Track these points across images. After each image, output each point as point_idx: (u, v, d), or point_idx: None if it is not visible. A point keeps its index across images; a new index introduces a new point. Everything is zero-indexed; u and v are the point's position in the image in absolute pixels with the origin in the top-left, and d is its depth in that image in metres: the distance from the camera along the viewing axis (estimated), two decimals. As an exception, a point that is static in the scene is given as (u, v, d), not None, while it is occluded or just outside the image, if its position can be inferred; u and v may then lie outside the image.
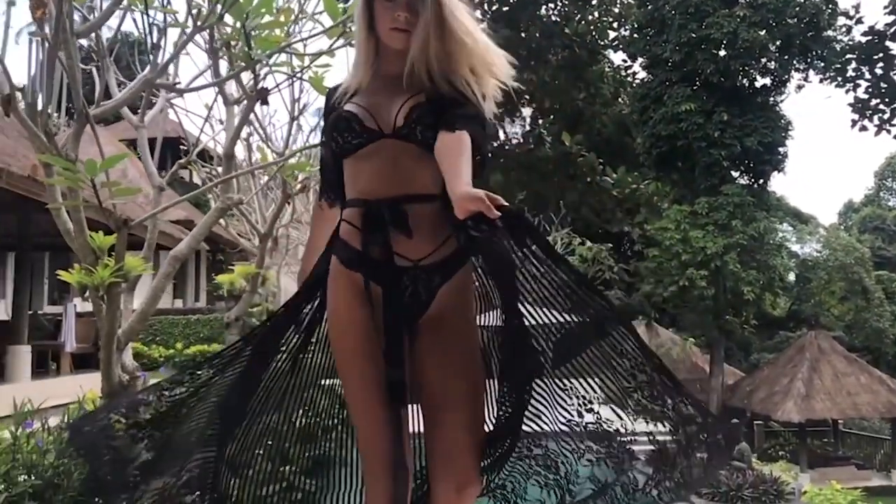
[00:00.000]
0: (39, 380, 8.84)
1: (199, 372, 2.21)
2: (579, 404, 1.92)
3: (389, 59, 1.98)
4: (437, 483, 1.90)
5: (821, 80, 24.96)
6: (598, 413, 1.94)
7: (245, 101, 4.20)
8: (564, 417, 1.94)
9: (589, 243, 21.84)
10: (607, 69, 32.11)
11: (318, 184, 2.15)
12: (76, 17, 3.63)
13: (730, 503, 7.11)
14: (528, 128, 35.26)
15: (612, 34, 30.71)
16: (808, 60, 24.34)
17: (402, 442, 1.86)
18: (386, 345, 1.85)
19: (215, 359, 2.21)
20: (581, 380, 1.89)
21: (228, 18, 3.61)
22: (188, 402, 2.16)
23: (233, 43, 3.84)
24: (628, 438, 1.92)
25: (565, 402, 1.92)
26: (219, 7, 3.39)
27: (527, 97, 32.41)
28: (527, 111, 34.82)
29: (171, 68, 4.30)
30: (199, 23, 3.49)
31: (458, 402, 1.86)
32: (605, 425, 1.94)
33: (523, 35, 29.71)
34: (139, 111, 4.50)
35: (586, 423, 1.95)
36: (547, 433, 1.96)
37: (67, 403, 5.61)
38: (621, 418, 1.92)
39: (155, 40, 3.81)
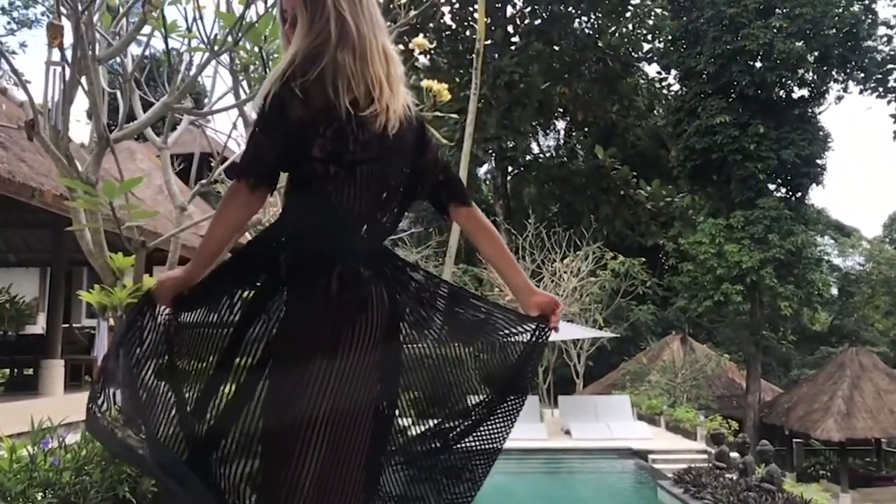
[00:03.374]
0: (72, 393, 9.02)
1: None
2: None
3: None
4: None
5: (861, 91, 24.50)
6: None
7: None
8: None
9: (621, 257, 21.65)
10: (641, 82, 31.94)
11: None
12: (101, 41, 3.73)
13: (759, 527, 6.96)
14: (561, 141, 35.21)
15: (646, 46, 30.57)
16: (848, 71, 23.88)
17: None
18: None
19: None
20: None
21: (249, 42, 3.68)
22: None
23: (251, 67, 3.90)
24: None
25: None
26: (235, 32, 3.45)
27: (560, 110, 32.41)
28: (560, 124, 34.79)
29: (207, 89, 4.38)
30: (215, 48, 3.55)
31: None
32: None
33: (556, 48, 29.71)
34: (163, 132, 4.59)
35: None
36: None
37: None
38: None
39: (175, 65, 3.89)
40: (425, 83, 3.43)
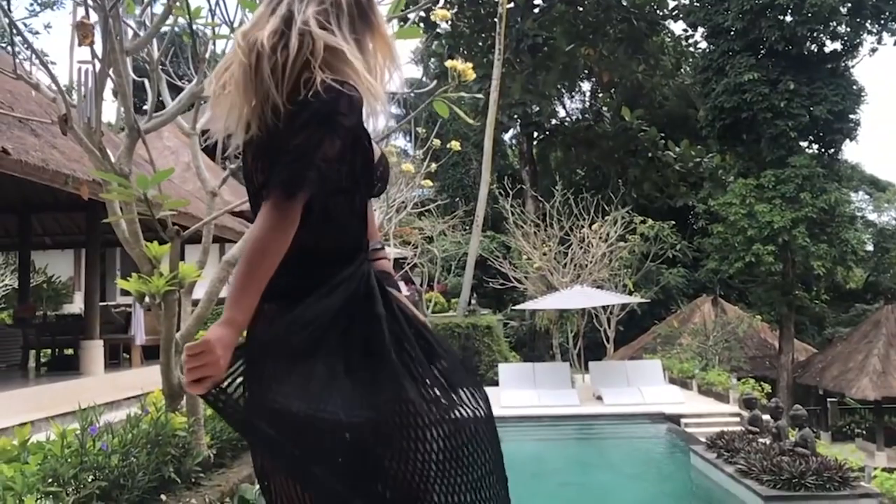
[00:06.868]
0: (112, 372, 9.27)
1: None
2: None
3: None
4: None
5: (895, 43, 23.81)
6: None
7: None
8: None
9: (650, 221, 21.48)
10: (667, 40, 31.33)
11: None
12: (127, 31, 3.76)
13: (792, 490, 6.95)
14: (587, 103, 34.79)
15: (671, 3, 29.88)
16: (882, 22, 23.16)
17: None
18: None
19: None
20: None
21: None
22: None
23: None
24: None
25: None
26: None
27: (585, 72, 31.96)
28: (586, 86, 34.34)
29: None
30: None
31: None
32: None
33: (580, 9, 29.22)
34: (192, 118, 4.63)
35: None
36: None
37: (137, 395, 5.84)
38: None
39: (201, 52, 3.91)
40: (449, 63, 3.42)
